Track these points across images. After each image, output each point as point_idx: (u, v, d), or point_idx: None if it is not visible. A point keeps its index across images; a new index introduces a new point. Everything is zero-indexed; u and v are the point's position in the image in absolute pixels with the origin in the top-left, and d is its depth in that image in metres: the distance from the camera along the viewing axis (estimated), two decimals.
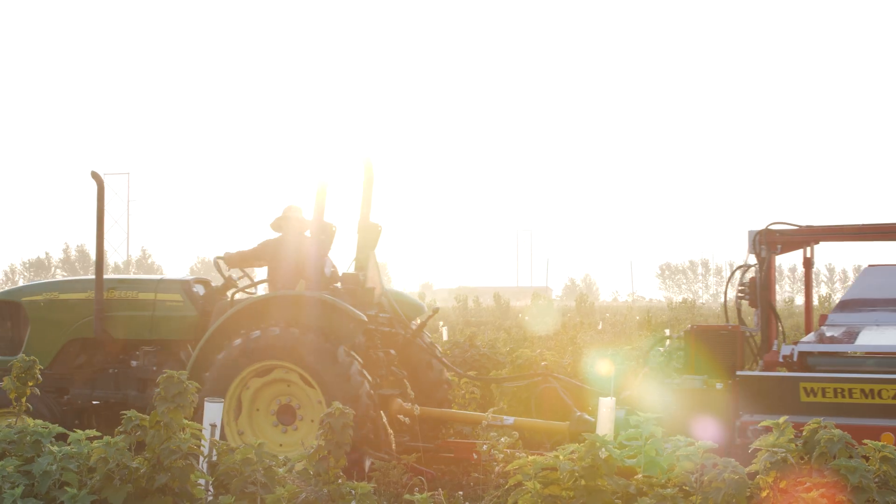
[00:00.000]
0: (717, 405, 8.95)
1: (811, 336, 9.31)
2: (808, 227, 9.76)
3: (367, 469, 9.41)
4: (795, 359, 8.90)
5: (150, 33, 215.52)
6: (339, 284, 10.74)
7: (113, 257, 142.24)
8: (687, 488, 5.35)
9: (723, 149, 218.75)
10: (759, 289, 9.61)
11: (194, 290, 11.09)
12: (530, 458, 5.55)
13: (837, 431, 5.48)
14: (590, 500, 5.32)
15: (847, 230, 9.78)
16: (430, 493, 5.99)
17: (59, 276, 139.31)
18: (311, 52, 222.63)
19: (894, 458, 5.40)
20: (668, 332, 10.39)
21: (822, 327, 9.43)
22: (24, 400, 9.40)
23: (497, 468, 8.85)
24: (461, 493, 8.64)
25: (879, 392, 8.28)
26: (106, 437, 5.98)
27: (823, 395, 8.45)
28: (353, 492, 5.90)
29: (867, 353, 8.78)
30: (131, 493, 5.84)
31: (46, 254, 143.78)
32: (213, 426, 6.49)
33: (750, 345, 9.62)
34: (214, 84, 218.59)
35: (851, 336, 9.11)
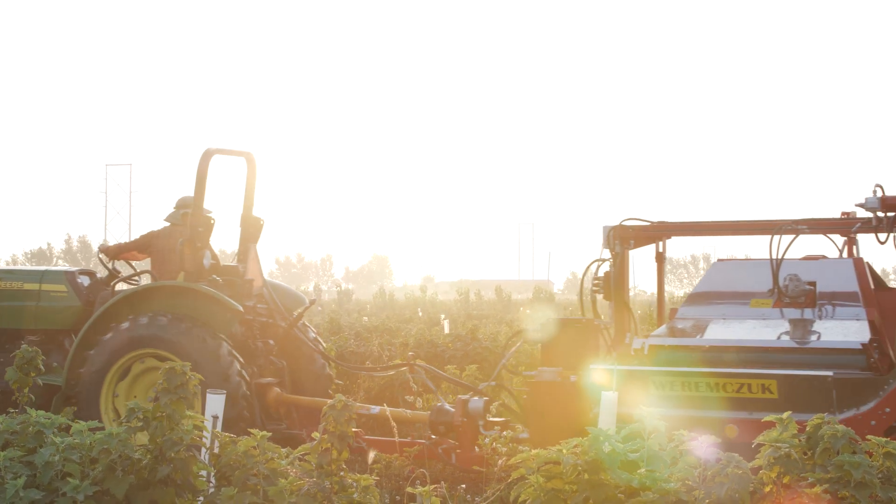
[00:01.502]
0: (573, 397, 9.13)
1: (661, 329, 9.58)
2: (659, 222, 10.08)
3: (370, 462, 9.43)
4: (646, 352, 9.15)
5: (151, 23, 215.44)
6: (218, 277, 11.12)
7: None
8: (690, 483, 5.34)
9: (721, 142, 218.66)
10: (614, 283, 9.86)
11: (79, 280, 11.54)
12: (533, 451, 5.55)
13: (841, 427, 5.47)
14: (593, 494, 5.32)
15: (695, 226, 10.20)
16: (432, 486, 5.99)
17: (62, 266, 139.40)
18: (310, 50, 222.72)
19: None
20: (527, 311, 10.84)
21: (672, 321, 9.68)
22: (26, 391, 9.42)
23: (500, 462, 8.86)
24: (463, 486, 8.65)
25: (724, 385, 8.55)
26: (108, 429, 5.99)
27: (672, 388, 8.73)
28: (356, 484, 5.91)
29: (714, 346, 9.04)
30: (133, 484, 5.84)
31: (48, 244, 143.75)
32: (215, 418, 6.49)
33: (604, 337, 9.80)
34: (215, 75, 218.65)
35: (700, 329, 9.34)
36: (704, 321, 9.44)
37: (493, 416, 10.30)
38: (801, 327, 9.10)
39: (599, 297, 9.99)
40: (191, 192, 11.05)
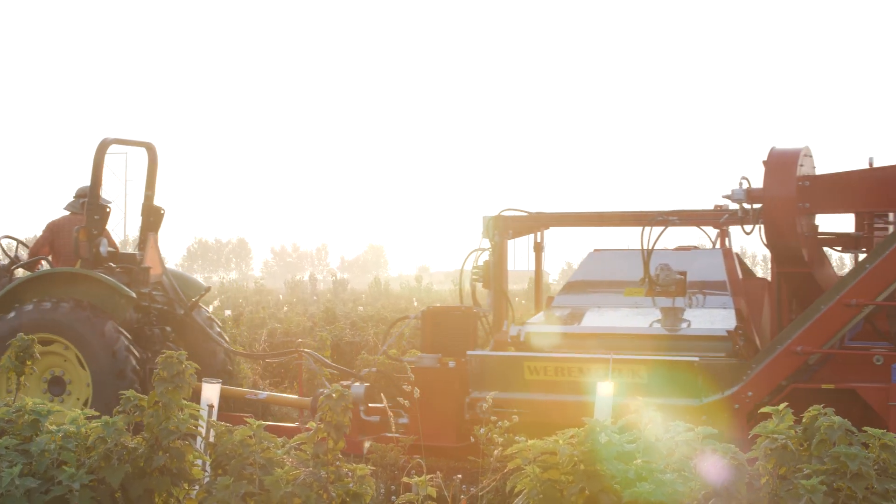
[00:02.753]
0: (450, 382, 9.46)
1: (538, 317, 9.91)
2: (537, 213, 10.38)
3: (364, 451, 9.44)
4: (522, 339, 9.52)
5: (145, 11, 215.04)
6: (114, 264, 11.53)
7: None
8: (686, 474, 5.34)
9: (719, 136, 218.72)
10: (493, 272, 10.16)
11: None
12: (530, 442, 5.55)
13: (837, 418, 5.48)
14: (589, 485, 5.32)
15: (571, 217, 10.54)
16: (428, 476, 5.98)
17: None
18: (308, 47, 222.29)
19: (894, 445, 5.40)
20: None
21: (549, 308, 9.98)
22: (22, 379, 9.42)
23: (496, 452, 8.86)
24: (459, 476, 8.65)
25: (594, 370, 8.85)
26: (104, 417, 5.98)
27: (545, 374, 9.06)
28: (351, 474, 5.90)
29: (586, 333, 9.43)
30: (129, 472, 5.83)
31: None
32: (211, 407, 6.49)
33: (484, 325, 10.12)
34: (212, 66, 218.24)
35: (574, 317, 9.70)
36: (579, 309, 9.76)
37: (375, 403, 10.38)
38: (671, 315, 9.41)
39: (479, 285, 10.27)
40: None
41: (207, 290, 12.38)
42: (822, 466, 5.28)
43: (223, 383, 11.86)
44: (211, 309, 13.61)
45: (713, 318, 9.21)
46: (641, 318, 9.44)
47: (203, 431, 6.15)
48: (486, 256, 10.25)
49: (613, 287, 9.79)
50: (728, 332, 8.99)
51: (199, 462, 6.03)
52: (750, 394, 8.69)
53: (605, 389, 7.02)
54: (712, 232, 10.10)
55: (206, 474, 6.03)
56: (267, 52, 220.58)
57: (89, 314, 10.69)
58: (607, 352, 8.99)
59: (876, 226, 9.35)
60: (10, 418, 6.27)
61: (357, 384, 10.26)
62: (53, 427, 6.11)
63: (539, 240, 10.58)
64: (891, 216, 9.27)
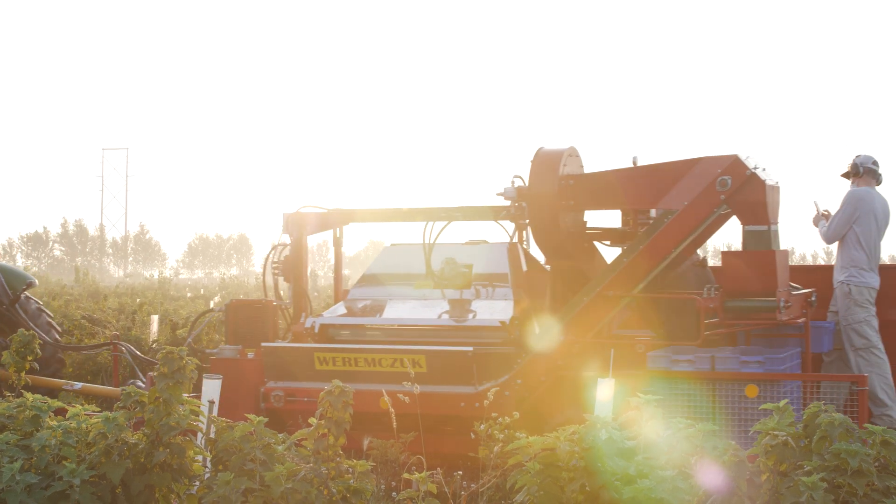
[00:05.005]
0: (248, 373, 9.85)
1: (332, 310, 10.32)
2: (334, 210, 10.83)
3: (365, 447, 9.46)
4: (317, 330, 9.92)
5: (148, 8, 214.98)
6: None
7: (111, 233, 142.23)
8: (687, 470, 5.34)
9: (718, 129, 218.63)
10: (292, 266, 10.66)
11: None
12: (530, 438, 5.55)
13: (838, 415, 5.48)
14: (589, 482, 5.32)
15: (367, 213, 10.99)
16: (428, 473, 5.98)
17: (57, 250, 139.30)
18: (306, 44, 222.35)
19: (894, 442, 5.41)
20: (213, 303, 11.99)
21: (343, 301, 10.44)
22: (23, 374, 9.43)
23: (496, 448, 8.87)
24: (459, 472, 8.66)
25: (380, 360, 9.30)
26: (105, 413, 5.99)
27: (334, 364, 9.42)
28: (352, 470, 5.91)
29: (374, 325, 9.96)
30: (130, 468, 5.84)
31: (45, 228, 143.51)
32: (212, 402, 6.49)
33: (285, 317, 10.62)
34: (213, 60, 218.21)
35: (365, 309, 10.17)
36: (371, 301, 10.21)
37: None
38: (457, 307, 9.83)
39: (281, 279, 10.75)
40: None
41: (31, 283, 12.71)
42: (822, 463, 5.29)
43: (52, 375, 12.33)
44: (212, 304, 13.76)
45: (492, 310, 9.65)
46: (428, 310, 9.90)
47: (203, 427, 6.16)
48: (287, 251, 10.75)
49: (406, 280, 10.23)
50: (502, 322, 9.40)
51: (200, 458, 6.04)
52: (519, 381, 9.15)
53: (605, 387, 7.01)
54: (510, 226, 10.44)
55: (207, 470, 6.04)
56: (266, 50, 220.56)
57: None
58: (395, 343, 9.55)
59: (640, 221, 9.88)
60: (10, 414, 6.27)
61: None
62: (54, 422, 6.11)
63: (338, 235, 11.05)
64: (652, 212, 9.69)
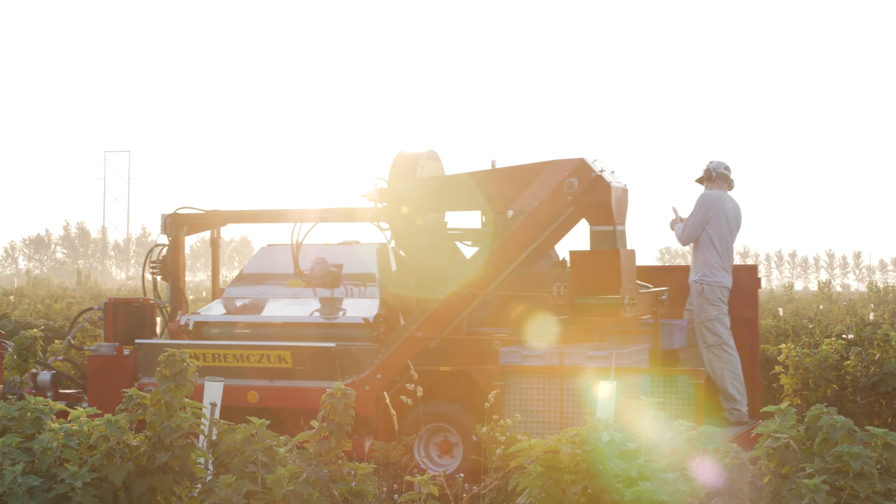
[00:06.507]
0: (125, 369, 10.18)
1: (206, 308, 10.63)
2: (212, 211, 11.09)
3: (367, 450, 9.47)
4: (191, 327, 10.25)
5: (150, 10, 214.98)
6: None
7: (113, 235, 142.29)
8: (688, 472, 5.34)
9: (720, 134, 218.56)
10: (170, 265, 10.99)
11: None
12: (532, 441, 5.55)
13: (840, 418, 5.48)
14: (591, 484, 5.31)
15: (242, 215, 11.29)
16: (429, 475, 5.98)
17: (59, 253, 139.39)
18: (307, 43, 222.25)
19: None
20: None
21: (219, 299, 10.73)
22: (24, 377, 9.44)
23: (498, 451, 8.87)
24: (461, 475, 8.67)
25: (248, 356, 9.66)
26: (107, 416, 5.99)
27: (205, 360, 9.69)
28: (354, 472, 5.91)
29: (245, 322, 10.23)
30: (131, 470, 5.84)
31: (47, 231, 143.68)
32: (214, 405, 6.49)
33: (163, 315, 10.94)
34: (215, 61, 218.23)
35: (238, 308, 10.47)
36: (245, 300, 10.51)
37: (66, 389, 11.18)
38: (324, 305, 10.13)
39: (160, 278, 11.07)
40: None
41: None
42: (824, 466, 5.29)
43: None
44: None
45: (358, 308, 9.93)
46: (299, 308, 10.18)
47: (205, 429, 6.16)
48: (165, 251, 11.06)
49: (279, 279, 10.51)
50: (365, 319, 9.71)
51: (202, 460, 6.03)
52: (379, 376, 9.43)
53: (607, 389, 7.01)
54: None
55: (209, 472, 6.04)
56: (268, 51, 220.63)
57: None
58: (263, 339, 9.85)
59: (497, 222, 9.99)
60: (12, 416, 6.27)
61: (44, 372, 10.88)
62: (56, 425, 6.11)
63: (216, 235, 11.35)
64: (510, 213, 9.81)
